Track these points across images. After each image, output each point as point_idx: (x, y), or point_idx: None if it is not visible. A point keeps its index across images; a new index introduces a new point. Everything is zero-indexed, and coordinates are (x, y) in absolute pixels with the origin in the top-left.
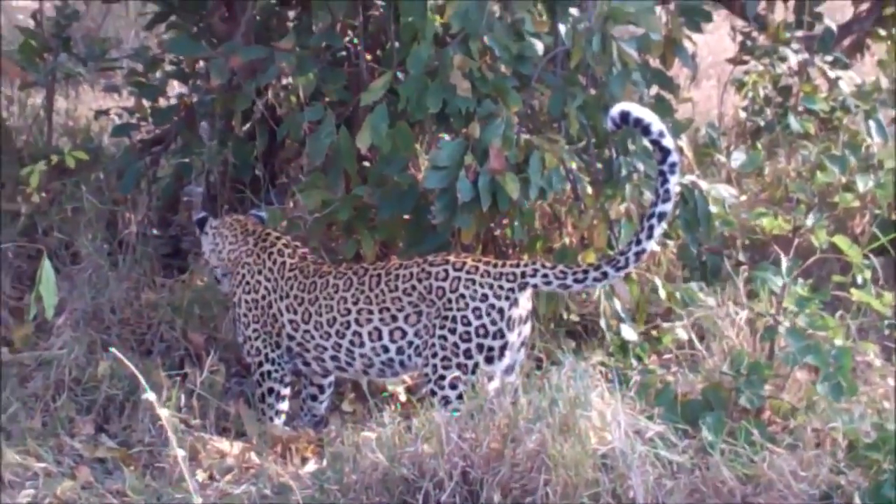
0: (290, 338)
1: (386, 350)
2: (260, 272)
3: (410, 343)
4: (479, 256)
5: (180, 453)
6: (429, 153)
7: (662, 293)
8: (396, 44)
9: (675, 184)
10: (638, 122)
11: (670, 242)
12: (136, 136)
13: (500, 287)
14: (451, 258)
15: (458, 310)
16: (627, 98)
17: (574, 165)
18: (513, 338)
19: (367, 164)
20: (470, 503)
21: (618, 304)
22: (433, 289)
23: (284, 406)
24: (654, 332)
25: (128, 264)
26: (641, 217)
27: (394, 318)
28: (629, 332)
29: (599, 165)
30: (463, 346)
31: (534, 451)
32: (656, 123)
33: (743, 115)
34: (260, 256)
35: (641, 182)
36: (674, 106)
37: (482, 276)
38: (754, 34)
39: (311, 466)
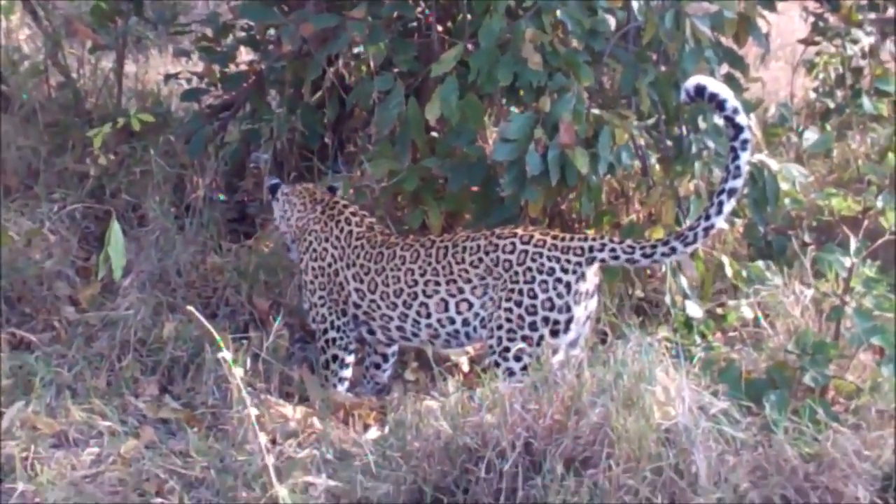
0: (356, 306)
1: (452, 321)
2: (327, 240)
3: (476, 315)
4: (547, 230)
5: (253, 412)
6: (497, 126)
7: (729, 271)
8: (468, 16)
9: (746, 161)
10: (713, 97)
11: (737, 221)
12: (205, 102)
13: (568, 261)
14: (519, 231)
15: (525, 282)
16: (699, 74)
17: (643, 142)
18: (579, 312)
19: (434, 135)
20: (532, 473)
21: (684, 281)
22: (500, 261)
23: (348, 373)
24: (719, 310)
25: (194, 228)
26: (711, 193)
27: (460, 290)
28: (694, 309)
29: (669, 142)
30: (528, 318)
31: (597, 424)
32: (731, 99)
33: (813, 96)
34: (327, 224)
35: (711, 159)
36: (743, 85)
37: (549, 249)
38: (826, 15)
39: (374, 433)
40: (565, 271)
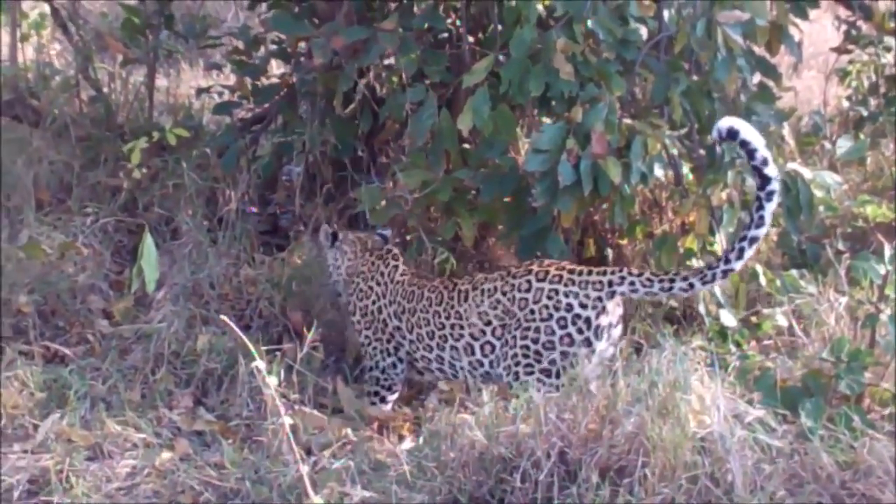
0: (402, 345)
1: (481, 364)
2: (373, 278)
3: (497, 358)
4: (564, 264)
5: (287, 421)
6: (529, 136)
7: (763, 280)
8: (499, 26)
9: (770, 212)
10: (744, 143)
11: (771, 230)
12: (237, 115)
13: (587, 296)
14: (535, 267)
15: (542, 320)
16: (732, 83)
17: (676, 151)
18: (601, 346)
19: (467, 146)
20: (567, 483)
21: (718, 290)
22: (516, 300)
23: (385, 406)
24: (753, 319)
25: (227, 241)
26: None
27: (482, 333)
28: (728, 318)
29: (702, 151)
30: (547, 354)
31: (632, 433)
32: (762, 149)
33: (846, 104)
34: (374, 265)
35: (744, 168)
36: (776, 94)
37: (566, 284)
38: (859, 23)
39: (408, 444)
40: (584, 307)
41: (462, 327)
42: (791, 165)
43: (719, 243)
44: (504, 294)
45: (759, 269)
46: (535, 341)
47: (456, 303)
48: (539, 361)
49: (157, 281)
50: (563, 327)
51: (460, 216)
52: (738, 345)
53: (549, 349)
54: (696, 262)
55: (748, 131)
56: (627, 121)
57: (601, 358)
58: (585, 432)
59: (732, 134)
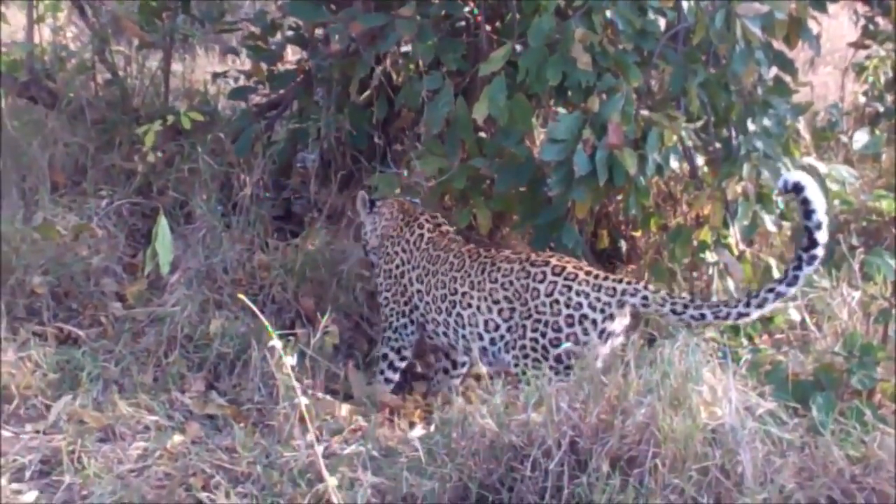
0: (417, 308)
1: (481, 337)
2: (398, 243)
3: (502, 337)
4: (582, 264)
5: (303, 401)
6: (545, 126)
7: (776, 273)
8: (517, 15)
9: (806, 274)
10: (806, 201)
11: (785, 224)
12: (252, 100)
13: (598, 299)
14: (553, 260)
15: (552, 315)
16: (749, 76)
17: (691, 143)
18: (605, 350)
19: (482, 135)
20: (577, 472)
21: (731, 283)
22: (529, 288)
23: (394, 375)
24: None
25: (241, 226)
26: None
27: (489, 309)
28: None
29: (718, 144)
30: (553, 350)
31: (643, 424)
32: (822, 214)
33: (862, 99)
34: (402, 230)
35: (760, 161)
36: (793, 88)
37: (580, 284)
38: (877, 18)
39: (419, 431)
40: (593, 309)
41: (472, 297)
42: (807, 159)
43: (733, 236)
44: (518, 279)
45: (773, 262)
46: (543, 335)
47: (473, 272)
48: (546, 358)
49: (171, 264)
50: (570, 325)
51: (476, 204)
52: (750, 338)
53: (555, 346)
54: (709, 255)
55: (814, 191)
56: (644, 112)
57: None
58: (596, 422)
59: (798, 188)
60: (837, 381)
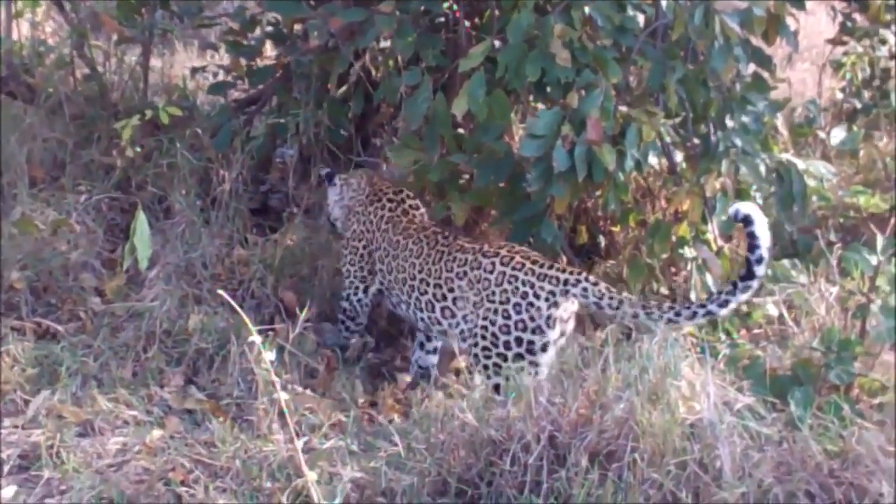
0: (381, 283)
1: (439, 322)
2: (362, 221)
3: (457, 324)
4: (530, 254)
5: (283, 396)
6: (523, 122)
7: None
8: (496, 11)
9: (738, 301)
10: (752, 235)
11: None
12: (231, 95)
13: (542, 288)
14: (503, 251)
15: (500, 303)
16: (728, 73)
17: (669, 139)
18: (553, 334)
19: (461, 131)
20: (556, 466)
21: (709, 278)
22: (481, 279)
23: (354, 334)
24: (743, 307)
25: (220, 221)
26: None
27: (444, 297)
28: None
29: (696, 140)
30: (503, 337)
31: (622, 418)
32: (765, 249)
33: (839, 96)
34: (367, 207)
35: (738, 158)
36: (770, 85)
37: (526, 273)
38: (854, 15)
39: (398, 425)
40: (538, 297)
41: (428, 284)
42: (785, 156)
43: (712, 232)
44: (472, 269)
45: None
46: (493, 323)
47: (431, 261)
48: (496, 345)
49: (150, 259)
50: (518, 313)
51: (451, 199)
52: (728, 333)
53: (504, 332)
54: (688, 251)
55: (761, 226)
56: (622, 108)
57: (556, 347)
58: (575, 416)
59: (747, 221)
60: (815, 376)
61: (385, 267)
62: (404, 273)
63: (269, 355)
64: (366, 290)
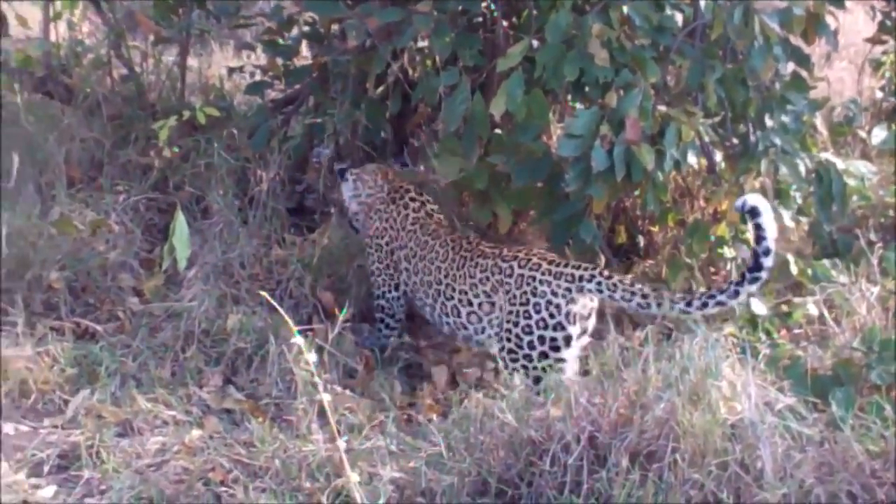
0: (406, 284)
1: (465, 327)
2: (387, 220)
3: (483, 329)
4: (546, 255)
5: (326, 398)
6: (561, 122)
7: (794, 269)
8: (535, 11)
9: (746, 292)
10: (759, 227)
11: (803, 219)
12: (268, 96)
13: (558, 286)
14: (521, 254)
15: (521, 304)
16: (767, 72)
17: (708, 139)
18: (575, 330)
19: (497, 131)
20: (597, 467)
21: None
22: (503, 283)
23: (394, 330)
24: (784, 308)
25: (258, 221)
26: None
27: (469, 303)
28: (759, 306)
29: (735, 140)
30: (526, 338)
31: (662, 419)
32: (771, 240)
33: (879, 95)
34: (389, 206)
35: (778, 157)
36: (809, 84)
37: (543, 273)
38: (894, 14)
39: (437, 425)
40: (555, 294)
41: (454, 289)
42: (824, 155)
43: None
44: (493, 274)
45: (791, 258)
46: (516, 324)
47: (455, 266)
48: (521, 346)
49: (188, 260)
50: (538, 311)
51: (496, 203)
52: (768, 333)
53: (527, 332)
54: (727, 251)
55: (768, 217)
56: (661, 108)
57: (579, 342)
58: (616, 417)
59: (754, 213)
60: (856, 376)
61: (411, 267)
62: (430, 276)
63: (312, 356)
64: (397, 287)
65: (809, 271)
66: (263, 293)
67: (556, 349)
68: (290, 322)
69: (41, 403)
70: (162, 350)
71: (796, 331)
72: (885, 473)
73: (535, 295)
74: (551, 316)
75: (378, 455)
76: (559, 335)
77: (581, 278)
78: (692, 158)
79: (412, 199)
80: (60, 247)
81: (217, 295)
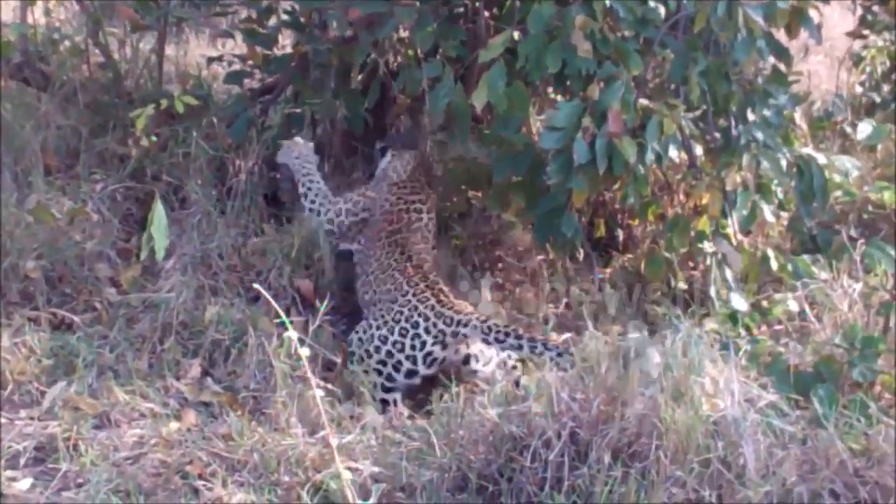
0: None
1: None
2: (377, 194)
3: None
4: (442, 288)
5: (319, 394)
6: (541, 114)
7: (774, 264)
8: (517, 2)
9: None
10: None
11: (784, 214)
12: (247, 85)
13: (434, 325)
14: (421, 282)
15: (393, 321)
16: (751, 66)
17: (689, 132)
18: (424, 371)
19: (475, 123)
20: (578, 463)
21: (729, 273)
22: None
23: None
24: (764, 303)
25: (236, 211)
26: (759, 186)
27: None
28: (739, 302)
29: (717, 134)
30: (383, 348)
31: (644, 415)
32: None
33: (859, 89)
34: (391, 191)
35: (759, 152)
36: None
37: (427, 308)
38: (875, 8)
39: (418, 420)
40: (427, 332)
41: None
42: (805, 150)
43: (732, 226)
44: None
45: (771, 253)
46: (384, 339)
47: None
48: (379, 352)
49: (166, 250)
50: (403, 336)
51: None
52: (747, 329)
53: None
54: (707, 245)
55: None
56: (643, 101)
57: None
58: (597, 413)
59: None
60: (838, 374)
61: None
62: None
63: (305, 351)
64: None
65: (790, 267)
66: (258, 286)
67: (397, 371)
68: (283, 316)
69: (17, 395)
70: (139, 341)
71: (776, 327)
72: (868, 472)
73: (407, 321)
74: (412, 347)
75: (358, 450)
76: (404, 366)
77: (459, 322)
78: (674, 152)
79: (417, 211)
80: (37, 235)
81: (195, 286)
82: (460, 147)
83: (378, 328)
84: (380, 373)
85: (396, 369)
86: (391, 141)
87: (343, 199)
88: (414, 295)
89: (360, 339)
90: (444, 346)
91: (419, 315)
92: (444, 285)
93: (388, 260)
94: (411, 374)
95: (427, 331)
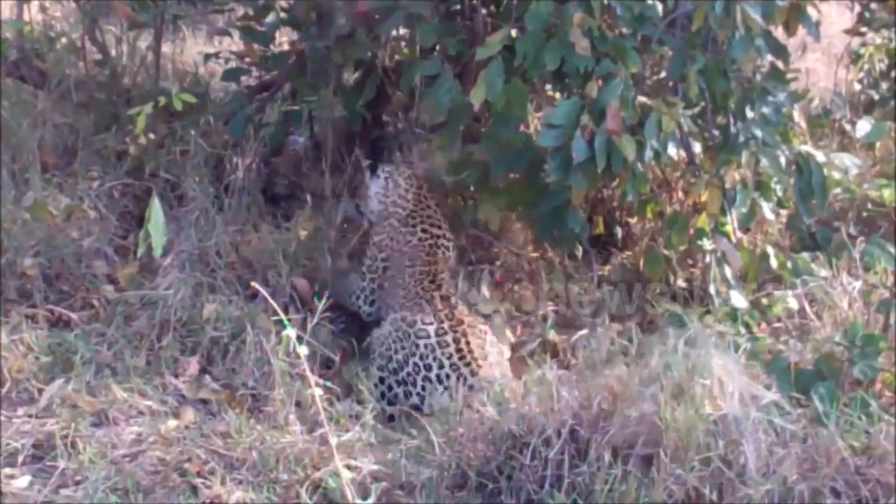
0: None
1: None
2: (392, 238)
3: None
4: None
5: (317, 392)
6: (539, 112)
7: (774, 262)
8: None
9: None
10: None
11: (783, 211)
12: (244, 82)
13: (447, 376)
14: (429, 308)
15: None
16: (749, 63)
17: (687, 130)
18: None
19: (473, 122)
20: (578, 461)
21: (728, 271)
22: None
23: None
24: (763, 301)
25: (233, 208)
26: (758, 183)
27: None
28: (738, 299)
29: (716, 131)
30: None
31: (645, 413)
32: None
33: (857, 87)
34: (404, 222)
35: (758, 149)
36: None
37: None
38: (873, 6)
39: (417, 419)
40: (440, 381)
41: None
42: (804, 147)
43: (731, 224)
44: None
45: (770, 250)
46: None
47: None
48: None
49: (164, 247)
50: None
51: (484, 201)
52: (747, 326)
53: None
54: (706, 243)
55: None
56: (642, 98)
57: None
58: (598, 411)
59: None
60: (839, 372)
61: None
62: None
63: (304, 349)
64: (372, 303)
65: (789, 264)
66: (255, 284)
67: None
68: (282, 315)
69: (15, 392)
70: (137, 339)
71: (776, 325)
72: (869, 469)
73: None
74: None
75: (357, 447)
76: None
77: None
78: (672, 150)
79: (424, 231)
80: (34, 233)
81: (193, 283)
82: (453, 147)
83: (396, 351)
84: (390, 389)
85: (407, 395)
86: (374, 149)
87: (361, 273)
88: (437, 334)
89: (381, 345)
90: (451, 398)
91: (434, 360)
92: (467, 323)
93: (416, 288)
94: (416, 407)
95: (439, 379)
